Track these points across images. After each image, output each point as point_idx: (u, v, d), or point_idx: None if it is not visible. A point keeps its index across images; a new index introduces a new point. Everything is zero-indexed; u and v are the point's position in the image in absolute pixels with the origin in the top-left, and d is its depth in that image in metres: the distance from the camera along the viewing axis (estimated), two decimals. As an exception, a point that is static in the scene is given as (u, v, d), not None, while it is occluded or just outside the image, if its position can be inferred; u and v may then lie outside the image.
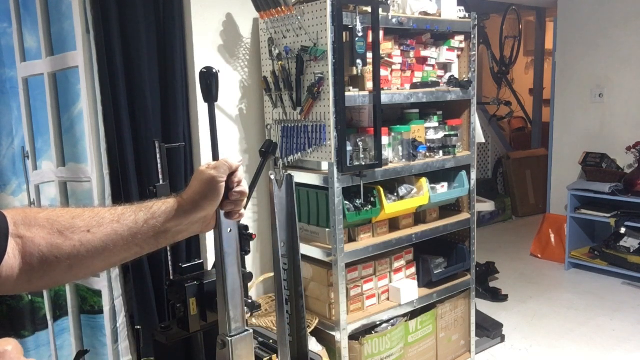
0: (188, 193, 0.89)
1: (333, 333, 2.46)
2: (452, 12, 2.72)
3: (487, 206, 4.31)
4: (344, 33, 2.26)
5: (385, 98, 2.41)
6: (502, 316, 3.61)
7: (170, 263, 2.14)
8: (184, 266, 1.63)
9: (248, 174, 2.57)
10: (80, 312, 2.42)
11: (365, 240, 2.53)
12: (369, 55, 2.33)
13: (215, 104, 1.00)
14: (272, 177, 1.12)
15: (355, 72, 2.31)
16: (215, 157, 0.96)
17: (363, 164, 2.37)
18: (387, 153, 2.53)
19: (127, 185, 2.31)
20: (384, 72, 2.49)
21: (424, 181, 2.64)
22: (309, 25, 2.29)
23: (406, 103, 2.67)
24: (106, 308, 2.32)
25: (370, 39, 2.32)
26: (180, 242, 1.15)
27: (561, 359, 3.19)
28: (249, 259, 2.68)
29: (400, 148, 2.59)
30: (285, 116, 2.49)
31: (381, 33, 2.39)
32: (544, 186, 5.21)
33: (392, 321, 2.66)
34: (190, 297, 1.54)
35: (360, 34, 2.27)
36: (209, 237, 2.48)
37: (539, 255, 4.93)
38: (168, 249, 2.09)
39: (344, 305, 2.42)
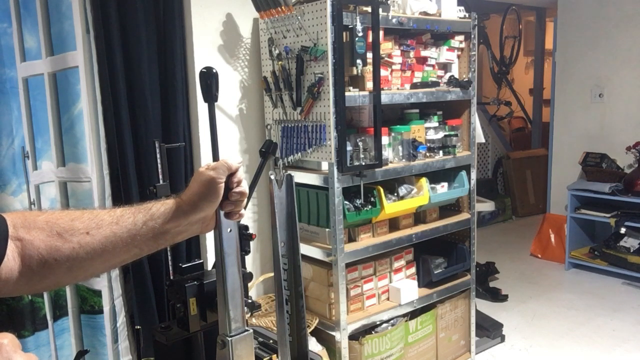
0: (187, 194, 0.88)
1: (333, 333, 2.46)
2: (452, 12, 2.72)
3: (487, 206, 4.32)
4: (344, 33, 2.26)
5: (385, 98, 2.41)
6: (502, 316, 3.61)
7: (170, 263, 2.14)
8: (184, 266, 1.63)
9: (248, 174, 2.57)
10: (80, 312, 2.42)
11: (365, 240, 2.52)
12: (369, 55, 2.33)
13: (215, 104, 1.00)
14: (272, 177, 1.12)
15: (355, 72, 2.31)
16: (215, 157, 0.96)
17: (363, 164, 2.37)
18: (387, 153, 2.53)
19: (127, 185, 2.31)
20: (384, 72, 2.49)
21: (424, 181, 2.64)
22: (309, 25, 2.29)
23: (406, 103, 2.67)
24: (106, 308, 2.32)
25: (370, 39, 2.32)
26: (180, 242, 1.15)
27: (561, 359, 3.19)
28: (249, 259, 2.68)
29: (400, 148, 2.59)
30: (285, 116, 2.49)
31: (381, 33, 2.39)
32: (544, 186, 5.21)
33: (392, 321, 2.66)
34: (190, 297, 1.54)
35: (360, 34, 2.27)
36: (209, 237, 2.48)
37: (539, 255, 4.93)
38: (168, 249, 2.10)
39: (344, 305, 2.42)
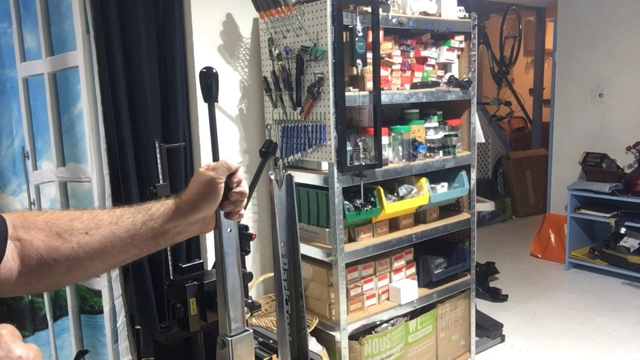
0: (187, 194, 0.88)
1: (333, 333, 2.46)
2: (452, 12, 2.72)
3: (487, 206, 4.32)
4: (344, 33, 2.26)
5: (385, 98, 2.41)
6: (502, 316, 3.61)
7: (170, 263, 2.14)
8: (184, 266, 1.64)
9: (248, 174, 2.57)
10: (80, 312, 2.42)
11: (365, 240, 2.52)
12: (369, 55, 2.33)
13: (216, 104, 1.00)
14: (272, 177, 1.12)
15: (355, 72, 2.31)
16: (215, 157, 0.96)
17: (363, 164, 2.37)
18: (387, 153, 2.53)
19: (127, 185, 2.31)
20: (384, 72, 2.49)
21: (424, 181, 2.64)
22: (309, 25, 2.28)
23: (406, 103, 2.67)
24: (106, 308, 2.32)
25: (370, 39, 2.32)
26: (180, 242, 1.16)
27: (561, 359, 3.19)
28: (249, 259, 2.68)
29: (400, 148, 2.59)
30: (285, 116, 2.49)
31: (381, 33, 2.39)
32: (544, 186, 5.21)
33: (392, 321, 2.66)
34: (190, 297, 1.54)
35: (360, 34, 2.27)
36: (209, 237, 2.48)
37: (539, 255, 4.93)
38: (168, 249, 2.10)
39: (344, 305, 2.42)
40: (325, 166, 2.39)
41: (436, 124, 2.81)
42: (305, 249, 2.48)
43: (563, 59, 4.87)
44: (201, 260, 1.68)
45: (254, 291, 2.74)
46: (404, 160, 2.59)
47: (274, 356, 1.74)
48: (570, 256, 4.60)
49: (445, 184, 2.81)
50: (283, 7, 2.33)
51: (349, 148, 2.35)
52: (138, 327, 1.78)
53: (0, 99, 2.14)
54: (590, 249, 4.55)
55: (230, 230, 0.96)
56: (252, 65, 2.63)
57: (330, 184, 2.33)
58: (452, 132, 2.82)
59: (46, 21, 2.22)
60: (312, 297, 2.59)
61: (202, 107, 2.48)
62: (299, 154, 2.44)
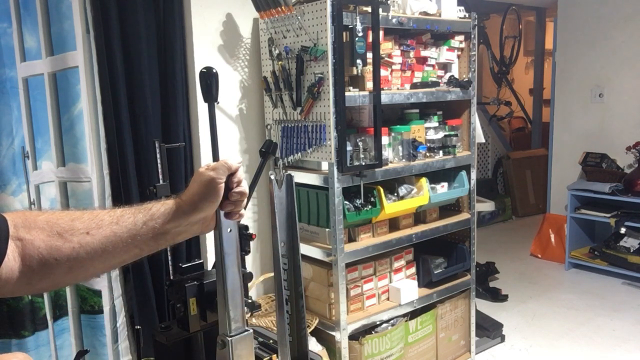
0: (187, 194, 0.89)
1: (333, 333, 2.46)
2: (452, 12, 2.72)
3: (487, 206, 4.32)
4: (344, 33, 2.26)
5: (385, 98, 2.41)
6: (502, 316, 3.61)
7: (170, 263, 2.14)
8: (184, 266, 1.63)
9: (248, 174, 2.57)
10: (80, 312, 2.42)
11: (365, 240, 2.52)
12: (369, 55, 2.33)
13: (216, 104, 1.00)
14: (272, 177, 1.12)
15: (355, 72, 2.31)
16: (215, 157, 0.96)
17: (363, 164, 2.37)
18: (387, 153, 2.53)
19: (127, 185, 2.31)
20: (384, 72, 2.49)
21: (424, 181, 2.64)
22: (309, 25, 2.29)
23: (406, 103, 2.67)
24: (106, 308, 2.32)
25: (370, 39, 2.32)
26: (180, 242, 1.16)
27: (561, 359, 3.19)
28: (249, 259, 2.68)
29: (400, 148, 2.59)
30: (285, 116, 2.49)
31: (381, 33, 2.39)
32: (544, 186, 5.21)
33: (392, 321, 2.66)
34: (190, 297, 1.54)
35: (360, 34, 2.27)
36: (209, 237, 2.48)
37: (539, 255, 4.93)
38: (168, 249, 2.10)
39: (344, 305, 2.42)
40: (325, 166, 2.39)
41: (436, 124, 2.82)
42: (305, 249, 2.48)
43: (563, 59, 4.87)
44: (201, 260, 1.68)
45: (254, 291, 2.74)
46: (404, 160, 2.59)
47: (274, 356, 1.74)
48: (570, 256, 4.60)
49: (445, 184, 2.81)
50: (283, 7, 2.33)
51: (349, 148, 2.35)
52: (138, 327, 1.78)
53: (0, 99, 2.15)
54: (590, 249, 4.56)
55: (230, 230, 0.96)
56: (252, 65, 2.63)
57: (330, 184, 2.33)
58: (452, 132, 2.82)
59: (46, 21, 2.22)
60: (312, 297, 2.59)
61: (202, 107, 2.48)
62: (299, 154, 2.44)
